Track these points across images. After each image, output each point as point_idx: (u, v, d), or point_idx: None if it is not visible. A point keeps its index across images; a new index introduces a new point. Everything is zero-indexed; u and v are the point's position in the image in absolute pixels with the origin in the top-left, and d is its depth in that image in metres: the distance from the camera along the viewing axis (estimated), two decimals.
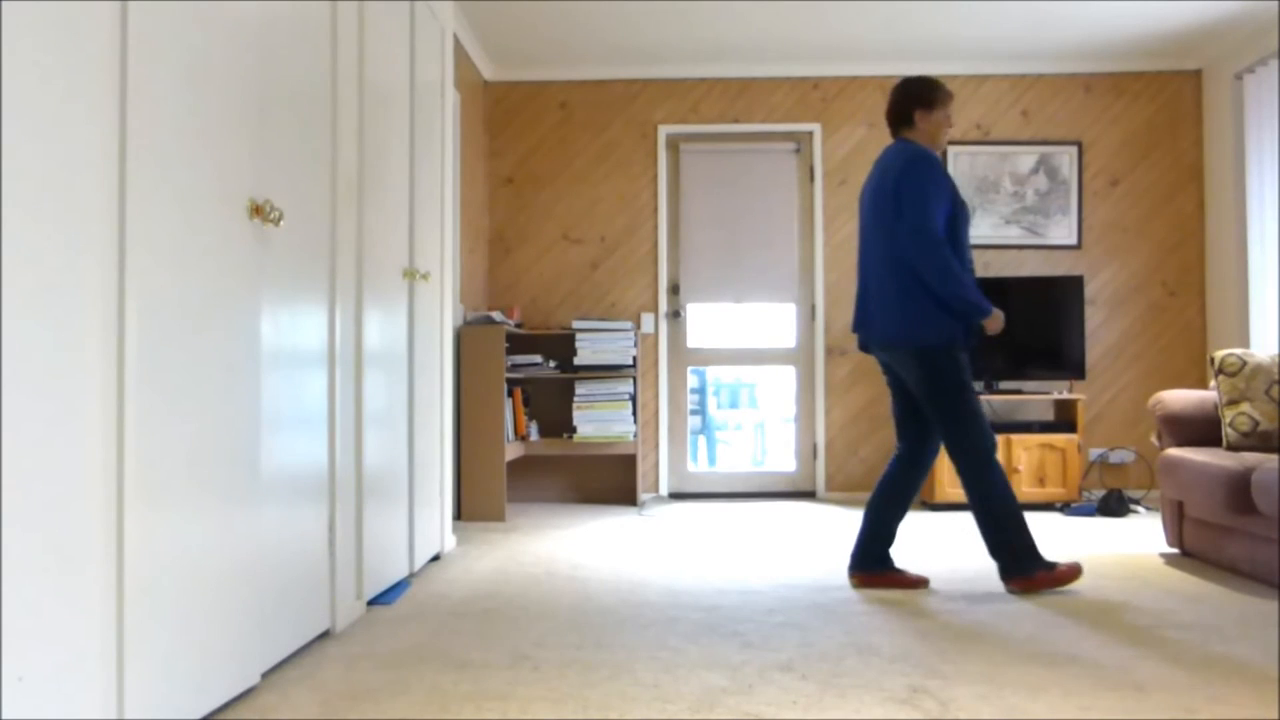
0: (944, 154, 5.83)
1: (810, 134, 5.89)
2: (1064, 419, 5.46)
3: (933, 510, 5.31)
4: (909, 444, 3.44)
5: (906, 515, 3.48)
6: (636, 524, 4.84)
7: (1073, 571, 3.25)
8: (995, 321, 3.28)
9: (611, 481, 5.78)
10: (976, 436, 3.24)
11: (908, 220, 3.21)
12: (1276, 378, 3.79)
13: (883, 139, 5.86)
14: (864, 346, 3.48)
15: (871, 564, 3.39)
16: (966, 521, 4.89)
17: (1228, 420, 3.82)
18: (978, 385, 5.50)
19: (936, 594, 3.26)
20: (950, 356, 3.26)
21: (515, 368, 5.40)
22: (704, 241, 5.90)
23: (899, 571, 3.38)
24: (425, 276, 3.63)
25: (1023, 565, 3.23)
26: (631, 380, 5.48)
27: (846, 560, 3.85)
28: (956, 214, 3.28)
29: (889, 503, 3.40)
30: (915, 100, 3.40)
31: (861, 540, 3.42)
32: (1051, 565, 3.25)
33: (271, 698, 2.20)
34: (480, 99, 5.77)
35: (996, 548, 3.25)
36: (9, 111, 1.43)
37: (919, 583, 3.37)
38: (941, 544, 4.23)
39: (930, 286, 3.22)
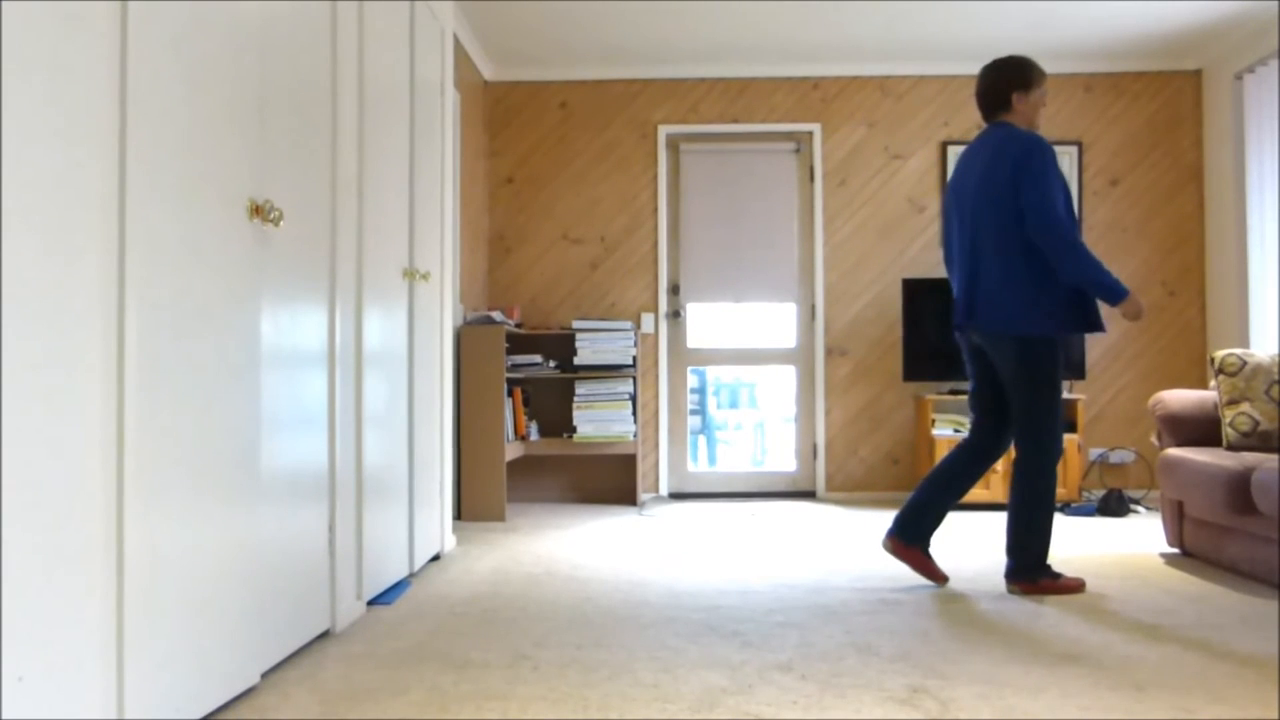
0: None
1: (810, 134, 5.89)
2: (1064, 419, 5.45)
3: None
4: (981, 437, 3.40)
5: (959, 500, 3.46)
6: (636, 524, 4.84)
7: (1076, 585, 3.26)
8: (1133, 305, 3.14)
9: (611, 481, 5.78)
10: (1049, 436, 3.23)
11: (1038, 213, 3.11)
12: (1276, 378, 3.79)
13: (882, 139, 5.86)
14: (960, 331, 3.40)
15: (911, 538, 3.37)
16: (967, 522, 4.89)
17: (1228, 420, 3.82)
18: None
19: (937, 593, 3.26)
20: (1048, 349, 3.21)
21: (515, 368, 5.40)
22: (704, 241, 5.90)
23: (929, 557, 3.38)
24: (425, 276, 3.63)
25: (1031, 573, 3.24)
26: (631, 380, 5.48)
27: (846, 560, 3.86)
28: (1067, 198, 3.21)
29: (945, 485, 3.36)
30: (1011, 83, 3.30)
31: (909, 509, 3.38)
32: (1057, 575, 3.26)
33: (271, 698, 2.20)
34: (480, 99, 5.77)
35: (1016, 548, 3.25)
36: (9, 111, 1.43)
37: (940, 577, 3.38)
38: (942, 544, 4.23)
39: (1070, 276, 3.12)
